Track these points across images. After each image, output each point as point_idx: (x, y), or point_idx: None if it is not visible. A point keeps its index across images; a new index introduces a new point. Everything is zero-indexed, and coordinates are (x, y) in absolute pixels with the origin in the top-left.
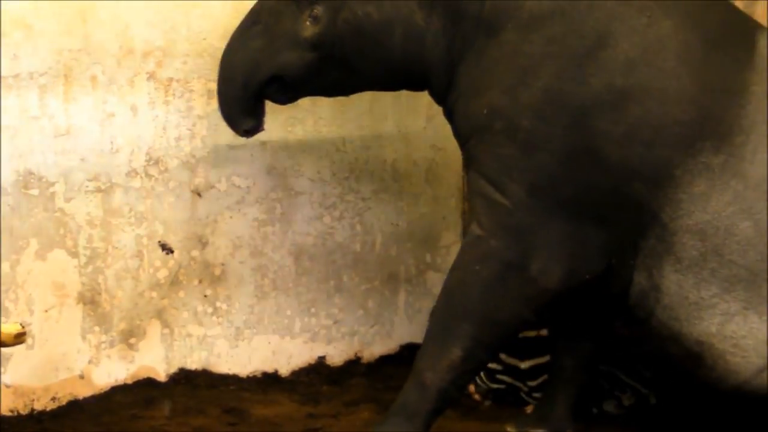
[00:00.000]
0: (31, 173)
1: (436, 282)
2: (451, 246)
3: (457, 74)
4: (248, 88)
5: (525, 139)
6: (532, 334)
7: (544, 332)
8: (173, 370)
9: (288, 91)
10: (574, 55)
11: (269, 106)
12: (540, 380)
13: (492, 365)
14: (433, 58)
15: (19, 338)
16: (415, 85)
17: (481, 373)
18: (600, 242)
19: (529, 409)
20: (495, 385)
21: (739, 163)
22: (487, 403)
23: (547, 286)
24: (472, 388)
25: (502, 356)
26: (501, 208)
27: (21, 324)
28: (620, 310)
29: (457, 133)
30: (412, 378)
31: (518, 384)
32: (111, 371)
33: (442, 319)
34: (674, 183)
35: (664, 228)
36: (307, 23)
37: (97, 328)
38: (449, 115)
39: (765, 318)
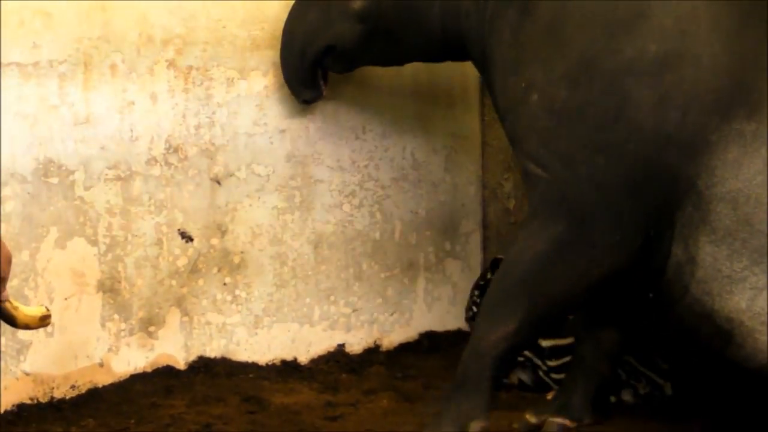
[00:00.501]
0: (50, 161)
1: (455, 270)
2: (470, 234)
3: (489, 47)
4: (306, 57)
5: (561, 109)
6: None
7: None
8: (192, 358)
9: (343, 61)
10: (608, 25)
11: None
12: (560, 362)
13: None
14: (468, 29)
15: (43, 321)
16: (456, 56)
17: None
18: (638, 213)
19: (549, 396)
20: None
21: None
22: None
23: (596, 258)
24: None
25: None
26: (541, 182)
27: (45, 307)
28: (655, 289)
29: (496, 107)
30: (469, 349)
31: (537, 361)
32: (130, 359)
33: (498, 292)
34: (709, 149)
35: (700, 196)
36: None
37: (116, 316)
38: (489, 87)
39: None
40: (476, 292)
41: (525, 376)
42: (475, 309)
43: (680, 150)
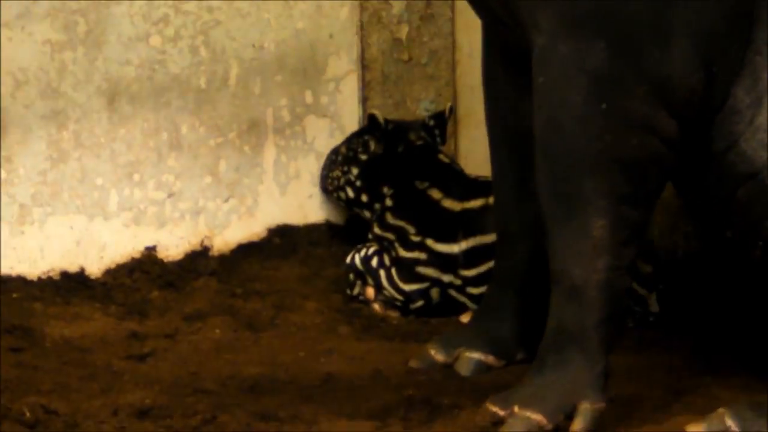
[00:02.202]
0: None
1: (320, 132)
2: (342, 79)
3: None
4: None
5: None
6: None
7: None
8: None
9: None
10: None
11: None
12: (480, 269)
13: (412, 254)
14: None
15: None
16: None
17: (392, 270)
18: (699, 30)
19: (464, 318)
20: (413, 286)
21: None
22: (393, 313)
23: (658, 87)
24: (370, 291)
25: (429, 242)
26: None
27: None
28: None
29: None
30: (555, 288)
31: (446, 278)
32: None
33: (554, 187)
34: None
35: None
36: None
37: None
38: None
39: None
40: (354, 170)
41: (418, 298)
42: (350, 192)
43: None
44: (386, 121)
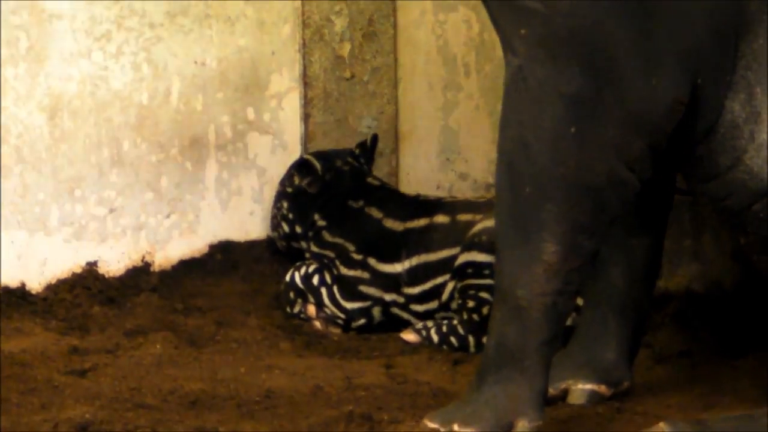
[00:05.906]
0: None
1: (262, 149)
2: (284, 95)
3: None
4: None
5: None
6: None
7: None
8: None
9: None
10: None
11: None
12: (425, 287)
13: (354, 273)
14: None
15: None
16: None
17: (334, 288)
18: (684, 44)
19: (405, 335)
20: (355, 304)
21: None
22: (335, 330)
23: (630, 119)
24: (312, 309)
25: (371, 261)
26: (535, 18)
27: None
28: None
29: None
30: (499, 307)
31: (389, 296)
32: None
33: (511, 206)
34: None
35: None
36: None
37: None
38: None
39: None
40: (284, 204)
41: (360, 316)
42: (285, 227)
43: None
44: (323, 168)
